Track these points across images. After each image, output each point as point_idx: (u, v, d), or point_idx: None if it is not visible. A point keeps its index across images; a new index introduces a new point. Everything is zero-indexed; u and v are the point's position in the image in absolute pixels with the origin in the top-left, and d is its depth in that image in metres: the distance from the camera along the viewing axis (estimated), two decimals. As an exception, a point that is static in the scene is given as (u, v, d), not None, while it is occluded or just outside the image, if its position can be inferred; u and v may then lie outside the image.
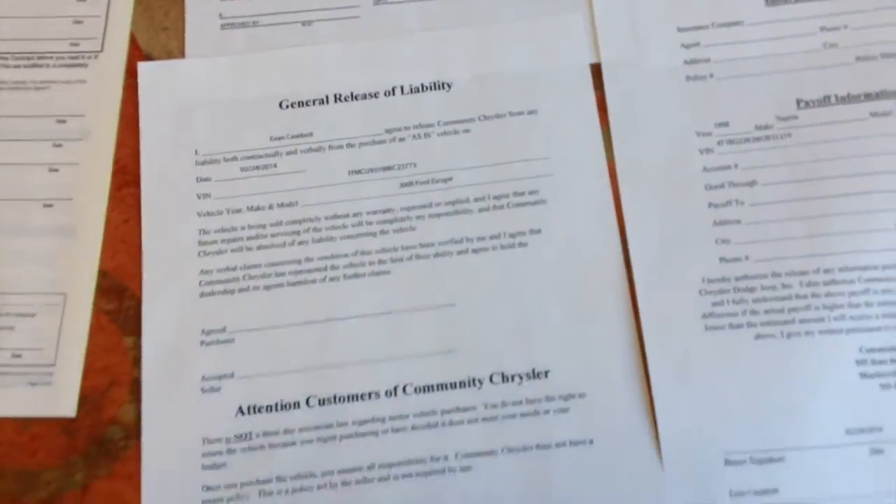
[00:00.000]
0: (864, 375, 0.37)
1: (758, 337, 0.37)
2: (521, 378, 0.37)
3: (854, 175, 0.39)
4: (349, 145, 0.40)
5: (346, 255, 0.38)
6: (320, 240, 0.39)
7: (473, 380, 0.37)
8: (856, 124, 0.40)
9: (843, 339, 0.37)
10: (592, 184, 0.39)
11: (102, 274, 0.38)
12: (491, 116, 0.41)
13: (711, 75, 0.41)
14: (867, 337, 0.37)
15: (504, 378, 0.37)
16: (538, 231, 0.39)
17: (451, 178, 0.40)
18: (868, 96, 0.40)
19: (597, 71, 0.42)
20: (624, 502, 0.35)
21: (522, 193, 0.39)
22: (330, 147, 0.40)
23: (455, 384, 0.37)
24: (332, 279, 0.38)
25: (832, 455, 0.36)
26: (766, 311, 0.38)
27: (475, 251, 0.39)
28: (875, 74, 0.40)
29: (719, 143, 0.40)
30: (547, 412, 0.36)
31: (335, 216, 0.39)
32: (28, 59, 0.41)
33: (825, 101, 0.40)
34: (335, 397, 0.36)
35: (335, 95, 0.41)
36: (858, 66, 0.41)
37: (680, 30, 0.42)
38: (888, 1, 0.41)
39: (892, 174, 0.39)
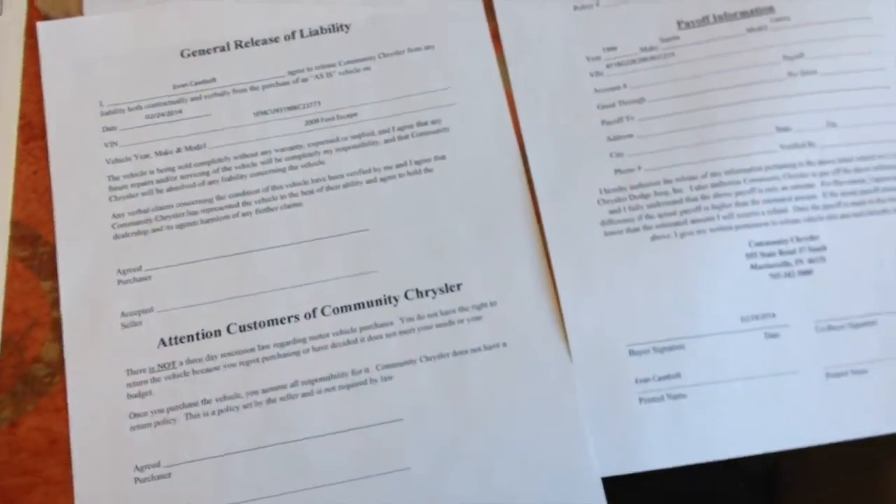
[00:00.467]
0: (754, 267, 0.44)
1: (654, 238, 0.44)
2: (434, 292, 0.43)
3: (734, 86, 0.47)
4: (253, 88, 0.46)
5: (257, 192, 0.44)
6: (230, 178, 0.44)
7: (389, 297, 0.42)
8: (734, 40, 0.47)
9: (733, 234, 0.44)
10: (492, 109, 0.46)
11: (14, 224, 0.43)
12: (390, 54, 0.47)
13: (597, 3, 0.48)
14: (755, 232, 0.44)
15: (419, 293, 0.43)
16: (443, 157, 0.45)
17: (355, 114, 0.46)
18: (744, 14, 0.48)
19: (489, 3, 0.48)
20: (537, 395, 0.41)
21: (425, 123, 0.45)
22: (234, 91, 0.46)
23: (372, 302, 0.42)
24: (244, 214, 0.44)
25: (729, 341, 0.43)
26: (661, 215, 0.44)
27: (383, 179, 0.44)
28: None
29: (608, 65, 0.47)
30: (461, 321, 0.42)
31: (244, 155, 0.45)
32: None
33: (704, 20, 0.48)
34: (255, 323, 0.42)
35: (236, 42, 0.47)
36: None
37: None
38: None
39: (769, 83, 0.47)
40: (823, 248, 0.44)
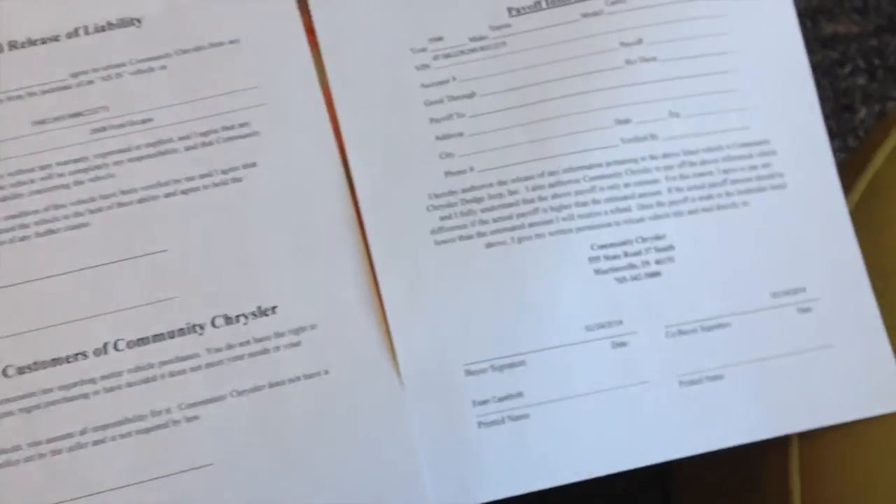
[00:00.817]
0: (598, 272, 0.44)
1: (489, 245, 0.43)
2: (246, 318, 0.41)
3: (570, 77, 0.46)
4: (30, 94, 0.43)
5: (36, 212, 0.41)
6: (3, 199, 0.41)
7: (194, 326, 0.40)
8: (568, 27, 0.47)
9: (574, 237, 0.44)
10: (307, 110, 0.44)
11: None
12: (189, 50, 0.45)
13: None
14: (597, 234, 0.44)
15: (228, 320, 0.41)
16: (253, 164, 0.43)
17: (150, 119, 0.43)
18: (577, -6, 0.47)
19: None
20: (365, 426, 0.40)
21: (232, 127, 0.44)
22: (7, 98, 0.43)
23: (173, 333, 0.40)
24: (21, 239, 0.41)
25: (574, 353, 0.42)
26: (496, 220, 0.44)
27: (185, 192, 0.42)
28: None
29: (435, 57, 0.46)
30: (277, 349, 0.40)
31: (19, 171, 0.42)
32: None
33: (536, 6, 0.47)
34: (35, 363, 0.39)
35: (9, 43, 0.44)
36: None
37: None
38: None
39: (606, 72, 0.47)
40: (671, 247, 0.44)
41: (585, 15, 0.47)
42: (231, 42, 0.45)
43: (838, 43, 1.03)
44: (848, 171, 0.53)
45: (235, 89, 0.45)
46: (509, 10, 0.47)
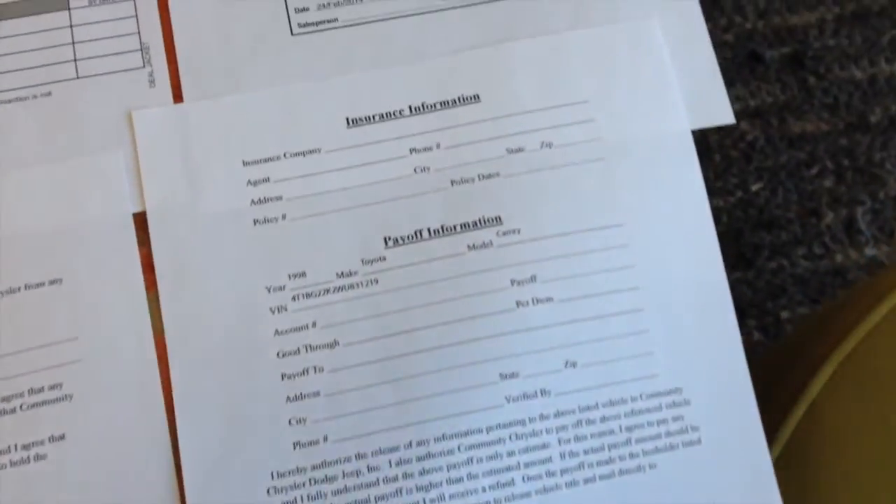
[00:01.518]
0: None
1: (339, 541, 0.36)
2: None
3: (451, 322, 0.39)
4: None
5: None
6: None
7: None
8: (452, 261, 0.40)
9: (442, 525, 0.36)
10: (133, 366, 0.37)
11: None
12: (3, 292, 0.38)
13: (284, 216, 0.40)
14: (471, 518, 0.36)
15: None
16: (61, 437, 0.36)
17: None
18: (465, 226, 0.40)
19: (142, 220, 0.39)
20: None
21: (41, 390, 0.36)
22: None
23: None
24: None
25: None
26: (349, 505, 0.36)
27: (-23, 475, 0.35)
28: (472, 200, 0.41)
29: (294, 297, 0.39)
30: None
31: None
32: None
33: (417, 236, 0.40)
34: None
35: None
36: (454, 191, 0.41)
37: (246, 164, 0.41)
38: (480, 112, 0.42)
39: (495, 316, 0.39)
40: (561, 528, 0.37)
41: (473, 247, 0.40)
42: (52, 282, 0.38)
43: (806, 142, 0.97)
44: (782, 394, 0.45)
45: (50, 342, 0.37)
46: (386, 240, 0.40)
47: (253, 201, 0.41)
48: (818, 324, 0.51)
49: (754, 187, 1.00)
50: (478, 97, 0.42)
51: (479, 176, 0.42)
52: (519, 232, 0.41)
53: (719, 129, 0.99)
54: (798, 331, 0.54)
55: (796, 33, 1.07)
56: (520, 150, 0.42)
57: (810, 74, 1.03)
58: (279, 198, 0.41)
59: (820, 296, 0.95)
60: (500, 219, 0.41)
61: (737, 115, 0.89)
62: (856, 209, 0.95)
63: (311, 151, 0.42)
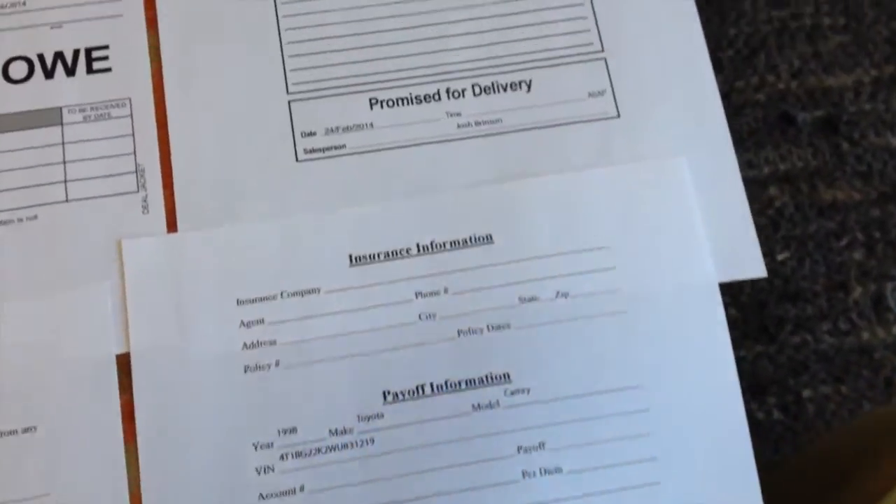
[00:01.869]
0: None
1: None
2: None
3: (452, 492, 0.36)
4: None
5: None
6: None
7: None
8: (455, 421, 0.37)
9: None
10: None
11: None
12: None
13: (277, 363, 0.37)
14: None
15: None
16: None
17: None
18: (471, 383, 0.37)
19: (125, 363, 0.37)
20: None
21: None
22: None
23: None
24: None
25: None
26: None
27: None
28: (480, 354, 0.37)
29: (283, 456, 0.36)
30: None
31: None
32: None
33: (419, 391, 0.37)
34: None
35: None
36: (461, 342, 0.38)
37: (240, 302, 0.38)
38: (492, 254, 0.39)
39: (499, 487, 0.36)
40: None
41: (478, 407, 0.37)
42: (25, 430, 0.36)
43: (836, 212, 0.93)
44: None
45: (20, 498, 0.34)
46: (385, 394, 0.37)
47: (245, 345, 0.38)
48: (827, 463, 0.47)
49: (780, 256, 0.96)
50: (490, 238, 0.39)
51: (488, 327, 0.38)
52: (528, 392, 0.38)
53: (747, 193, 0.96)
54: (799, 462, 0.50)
55: (831, 95, 1.03)
56: (533, 299, 0.38)
57: (844, 140, 0.99)
58: (273, 342, 0.38)
59: (844, 374, 0.92)
60: (508, 376, 0.38)
61: (765, 179, 0.86)
62: (885, 285, 0.91)
63: (309, 291, 0.39)
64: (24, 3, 0.42)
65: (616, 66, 0.42)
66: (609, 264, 0.39)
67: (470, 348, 0.38)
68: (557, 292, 0.39)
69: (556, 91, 0.41)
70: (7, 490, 0.35)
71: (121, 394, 0.37)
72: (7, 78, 0.40)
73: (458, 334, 0.38)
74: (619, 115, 0.41)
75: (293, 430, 0.37)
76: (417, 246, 0.39)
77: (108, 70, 0.41)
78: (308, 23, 0.42)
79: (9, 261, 0.38)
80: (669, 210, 0.40)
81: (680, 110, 0.41)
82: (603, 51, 0.42)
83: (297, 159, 0.40)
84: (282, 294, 0.38)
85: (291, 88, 0.41)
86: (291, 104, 0.41)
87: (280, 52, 0.41)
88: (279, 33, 0.42)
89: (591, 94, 0.41)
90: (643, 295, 0.39)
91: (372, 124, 0.41)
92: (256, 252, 0.39)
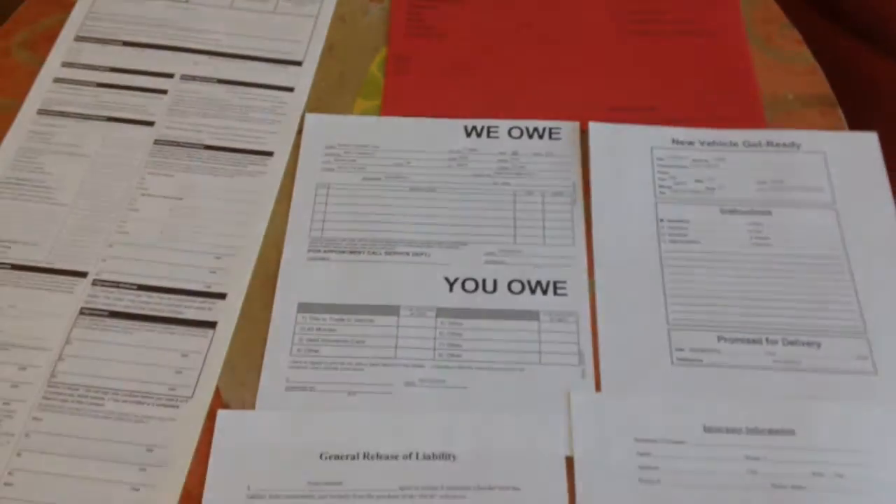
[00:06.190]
0: None
1: None
2: None
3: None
4: (369, 496, 0.56)
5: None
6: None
7: None
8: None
9: None
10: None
11: None
12: (484, 487, 0.57)
13: (659, 481, 0.58)
14: None
15: None
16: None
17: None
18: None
19: (570, 464, 0.59)
20: None
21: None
22: (355, 496, 0.56)
23: None
24: None
25: None
26: None
27: None
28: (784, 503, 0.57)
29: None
30: None
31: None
32: (134, 397, 0.59)
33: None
34: None
35: (364, 454, 0.58)
36: (773, 493, 0.57)
37: (637, 440, 0.59)
38: (801, 442, 0.59)
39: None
40: None
41: (783, 531, 0.56)
42: (513, 488, 0.57)
43: None
44: None
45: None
46: (723, 512, 0.56)
47: (640, 466, 0.59)
48: None
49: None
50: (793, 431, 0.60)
51: (791, 486, 0.58)
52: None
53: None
54: None
55: None
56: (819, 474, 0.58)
57: None
58: (657, 467, 0.59)
59: None
60: (804, 516, 0.57)
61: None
62: None
63: (679, 442, 0.60)
64: (520, 251, 0.68)
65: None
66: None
67: (779, 498, 0.58)
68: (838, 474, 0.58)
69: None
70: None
71: (567, 480, 0.59)
72: (510, 290, 0.66)
73: (772, 487, 0.58)
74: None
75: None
76: (745, 428, 0.60)
77: (565, 294, 0.66)
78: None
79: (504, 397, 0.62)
80: None
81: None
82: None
83: (672, 363, 0.63)
84: (662, 440, 0.60)
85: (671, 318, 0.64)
86: (671, 332, 0.64)
87: (663, 293, 0.65)
88: (664, 288, 0.66)
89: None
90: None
91: (719, 351, 0.64)
92: (648, 413, 0.61)
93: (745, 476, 0.58)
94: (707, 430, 0.60)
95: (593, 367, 0.62)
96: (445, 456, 0.58)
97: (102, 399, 0.58)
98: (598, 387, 0.62)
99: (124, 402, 0.58)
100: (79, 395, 0.59)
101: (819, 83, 0.74)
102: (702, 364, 0.62)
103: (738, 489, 0.57)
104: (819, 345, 0.63)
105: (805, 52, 0.76)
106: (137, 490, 0.55)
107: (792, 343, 0.63)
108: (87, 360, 0.60)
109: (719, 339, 0.63)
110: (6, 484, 0.55)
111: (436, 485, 0.57)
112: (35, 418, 0.58)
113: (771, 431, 0.59)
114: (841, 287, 0.65)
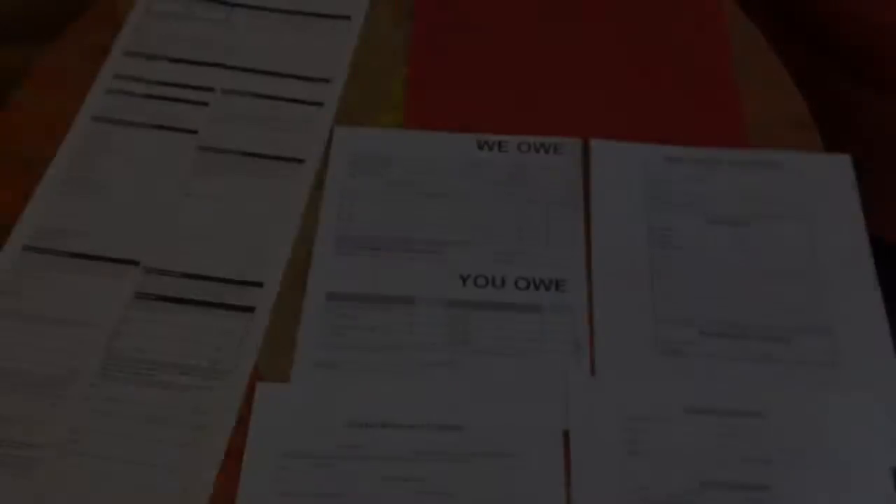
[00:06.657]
0: None
1: None
2: None
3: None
4: (388, 458, 0.64)
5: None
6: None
7: None
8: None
9: None
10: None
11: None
12: (488, 454, 0.64)
13: (644, 453, 0.65)
14: None
15: None
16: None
17: None
18: None
19: (566, 439, 0.66)
20: None
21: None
22: (375, 458, 0.64)
23: None
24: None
25: None
26: None
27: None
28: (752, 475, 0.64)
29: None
30: None
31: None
32: (181, 369, 0.67)
33: None
34: None
35: (383, 423, 0.66)
36: (742, 466, 0.65)
37: (626, 418, 0.67)
38: (768, 423, 0.67)
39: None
40: None
41: None
42: (513, 455, 0.65)
43: None
44: None
45: None
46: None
47: (627, 440, 0.66)
48: None
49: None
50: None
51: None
52: None
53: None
54: None
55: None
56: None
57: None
58: (642, 442, 0.66)
59: None
60: None
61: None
62: None
63: (661, 420, 0.67)
64: (526, 252, 0.76)
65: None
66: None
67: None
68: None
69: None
70: None
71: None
72: (516, 286, 0.74)
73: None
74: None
75: None
76: (720, 410, 0.68)
77: (565, 291, 0.74)
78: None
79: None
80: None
81: None
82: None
83: (658, 353, 0.71)
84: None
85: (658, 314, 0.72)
86: (658, 326, 0.72)
87: (651, 291, 0.73)
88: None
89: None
90: None
91: (700, 344, 0.71)
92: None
93: (718, 451, 0.65)
94: (687, 410, 0.67)
95: (588, 355, 0.70)
96: (455, 427, 0.65)
97: (153, 371, 0.66)
98: (592, 372, 0.69)
99: (172, 374, 0.66)
100: (132, 367, 0.66)
101: (798, 106, 0.82)
102: (684, 354, 0.70)
103: (712, 462, 0.65)
104: (789, 341, 0.71)
105: (786, 79, 0.84)
106: (186, 446, 0.62)
107: (765, 339, 0.71)
108: (139, 337, 0.68)
109: (700, 333, 0.71)
110: (71, 441, 0.63)
111: (446, 451, 0.64)
112: (93, 385, 0.65)
113: (743, 413, 0.67)
114: (810, 291, 0.73)
